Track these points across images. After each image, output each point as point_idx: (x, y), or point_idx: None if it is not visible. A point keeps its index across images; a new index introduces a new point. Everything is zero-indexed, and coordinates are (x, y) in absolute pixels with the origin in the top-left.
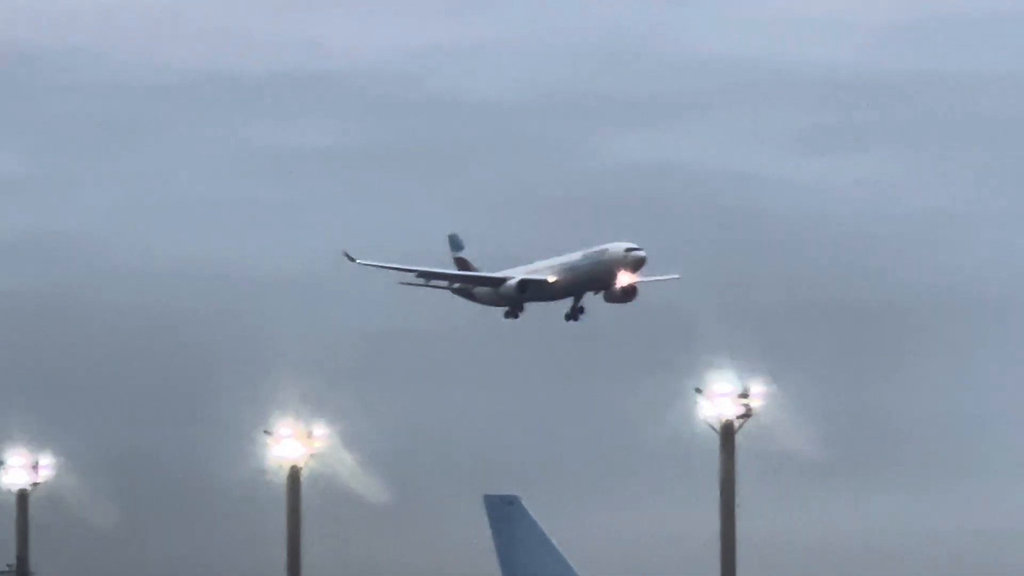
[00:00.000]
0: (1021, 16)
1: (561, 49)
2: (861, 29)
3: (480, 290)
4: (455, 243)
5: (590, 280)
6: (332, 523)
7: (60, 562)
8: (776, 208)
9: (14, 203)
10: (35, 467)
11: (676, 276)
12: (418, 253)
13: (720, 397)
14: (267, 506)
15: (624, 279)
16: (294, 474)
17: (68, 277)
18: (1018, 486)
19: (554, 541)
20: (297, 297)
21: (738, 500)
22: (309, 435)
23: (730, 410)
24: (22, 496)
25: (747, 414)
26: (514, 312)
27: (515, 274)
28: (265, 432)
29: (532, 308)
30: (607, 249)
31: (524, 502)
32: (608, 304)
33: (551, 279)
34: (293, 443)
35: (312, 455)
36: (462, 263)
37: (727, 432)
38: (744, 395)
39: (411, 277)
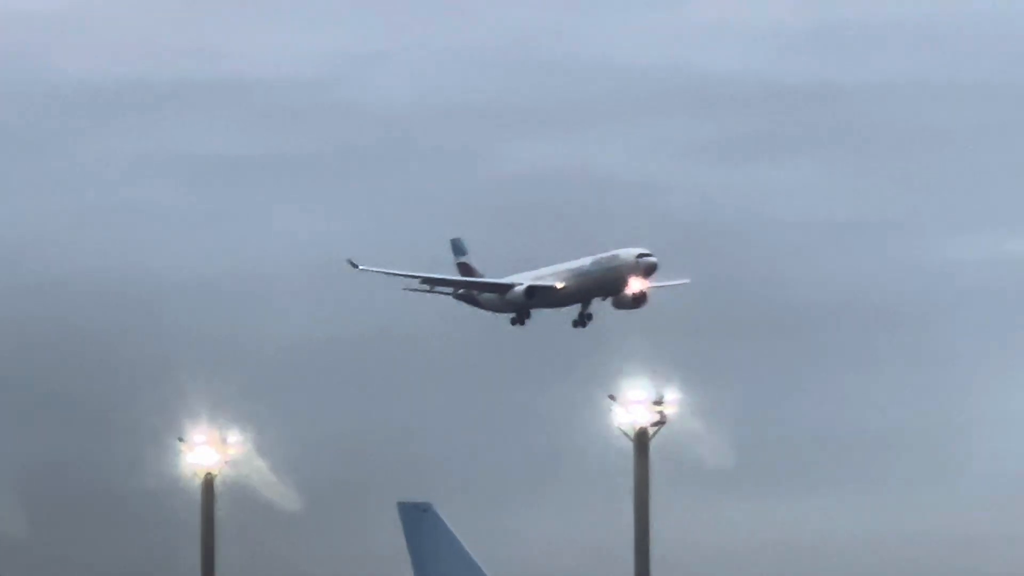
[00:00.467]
0: (930, 24)
1: (467, 56)
2: (770, 38)
3: (485, 296)
4: (458, 248)
5: (600, 286)
6: (246, 530)
7: None
8: (683, 217)
9: None
10: None
11: (686, 281)
12: (334, 259)
13: (634, 404)
14: (181, 514)
15: (635, 285)
16: (208, 481)
17: None
18: (918, 491)
19: (467, 548)
20: (207, 304)
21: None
22: (223, 442)
23: (644, 418)
24: None
25: (661, 421)
26: (520, 319)
27: (521, 280)
28: (179, 439)
29: (537, 315)
30: (618, 255)
31: (438, 509)
32: (617, 310)
33: (559, 285)
34: (207, 450)
35: (226, 462)
36: (465, 268)
37: (641, 439)
38: (658, 402)
39: (415, 283)
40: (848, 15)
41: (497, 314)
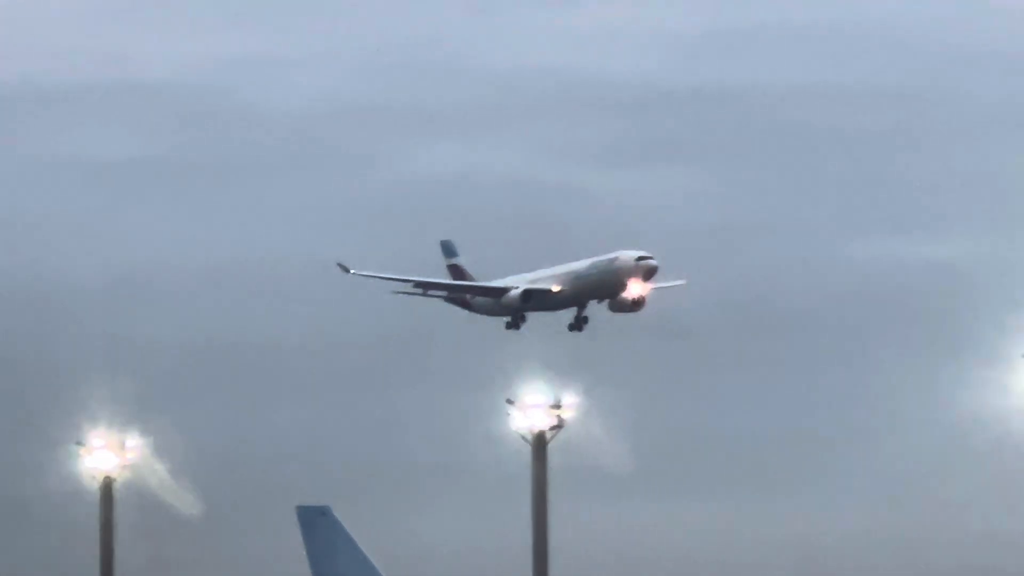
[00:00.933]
0: (817, 28)
1: (366, 60)
2: (659, 42)
3: (479, 300)
4: (448, 249)
5: (598, 289)
6: (145, 534)
7: None
8: (582, 220)
9: None
10: None
11: (682, 282)
12: (244, 261)
13: (532, 408)
14: (80, 518)
15: (635, 289)
16: (107, 485)
17: None
18: (814, 493)
19: (366, 551)
20: (106, 307)
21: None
22: (122, 446)
23: (542, 421)
24: None
25: (559, 425)
26: (515, 323)
27: (516, 283)
28: (77, 443)
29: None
30: (617, 258)
31: (336, 512)
32: (614, 314)
33: (555, 288)
34: (106, 454)
35: (125, 466)
36: (456, 271)
37: (539, 442)
38: (556, 406)
39: (406, 287)
40: (737, 19)
41: (491, 318)
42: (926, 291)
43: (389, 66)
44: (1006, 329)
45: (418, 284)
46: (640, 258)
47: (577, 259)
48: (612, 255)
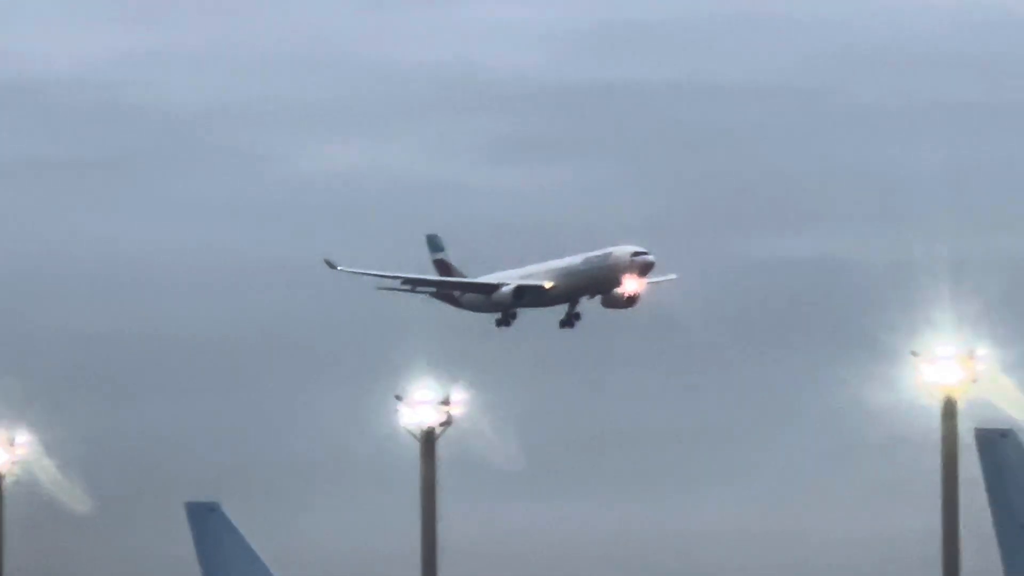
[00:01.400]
0: (708, 24)
1: (257, 57)
2: (551, 38)
3: (469, 297)
4: (434, 244)
5: (592, 285)
6: (35, 531)
7: None
8: (474, 216)
9: None
10: None
11: (673, 277)
12: (138, 257)
13: (421, 404)
14: None
15: (630, 285)
16: None
17: None
18: (705, 489)
19: (255, 548)
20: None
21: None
22: (11, 442)
23: (431, 418)
24: None
25: (448, 421)
26: (506, 320)
27: (507, 279)
28: None
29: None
30: (611, 253)
31: (226, 509)
32: (606, 310)
33: (548, 285)
34: None
35: (14, 462)
36: (443, 266)
37: (427, 439)
38: (445, 402)
39: (391, 283)
40: (619, 16)
41: (479, 314)
42: (812, 288)
43: (278, 62)
44: (894, 325)
45: (406, 281)
46: (636, 253)
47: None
48: (607, 250)
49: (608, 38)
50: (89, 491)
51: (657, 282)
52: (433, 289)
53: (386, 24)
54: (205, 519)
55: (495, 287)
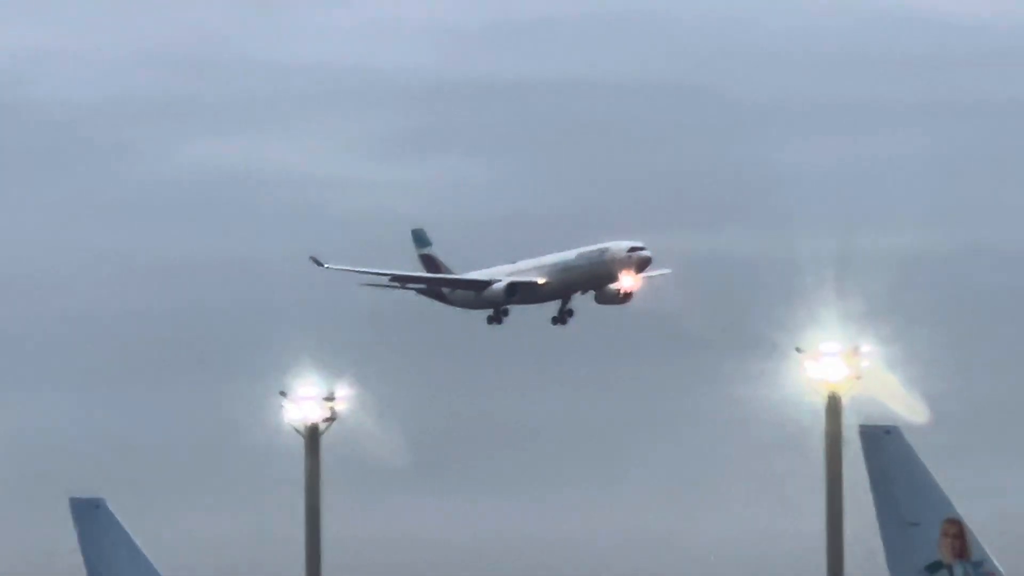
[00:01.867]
0: (602, 20)
1: (143, 54)
2: (440, 34)
3: (459, 293)
4: (420, 239)
5: (586, 281)
6: None
7: None
8: (360, 212)
9: None
10: None
11: (667, 271)
12: (16, 255)
13: (305, 400)
14: None
15: (626, 281)
16: None
17: None
18: (593, 490)
19: (139, 544)
20: None
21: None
22: None
23: (315, 413)
24: None
25: (332, 418)
26: (498, 317)
27: (498, 275)
28: None
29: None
30: (608, 249)
31: (110, 505)
32: (600, 306)
33: (541, 281)
34: None
35: None
36: (429, 261)
37: (312, 435)
38: (329, 398)
39: (375, 279)
40: (511, 12)
41: (469, 311)
42: (697, 285)
43: (163, 59)
44: (779, 322)
45: (395, 278)
46: (632, 249)
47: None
48: (602, 245)
49: (496, 35)
50: None
51: (650, 276)
52: (422, 286)
53: (275, 22)
54: (90, 514)
55: (486, 284)
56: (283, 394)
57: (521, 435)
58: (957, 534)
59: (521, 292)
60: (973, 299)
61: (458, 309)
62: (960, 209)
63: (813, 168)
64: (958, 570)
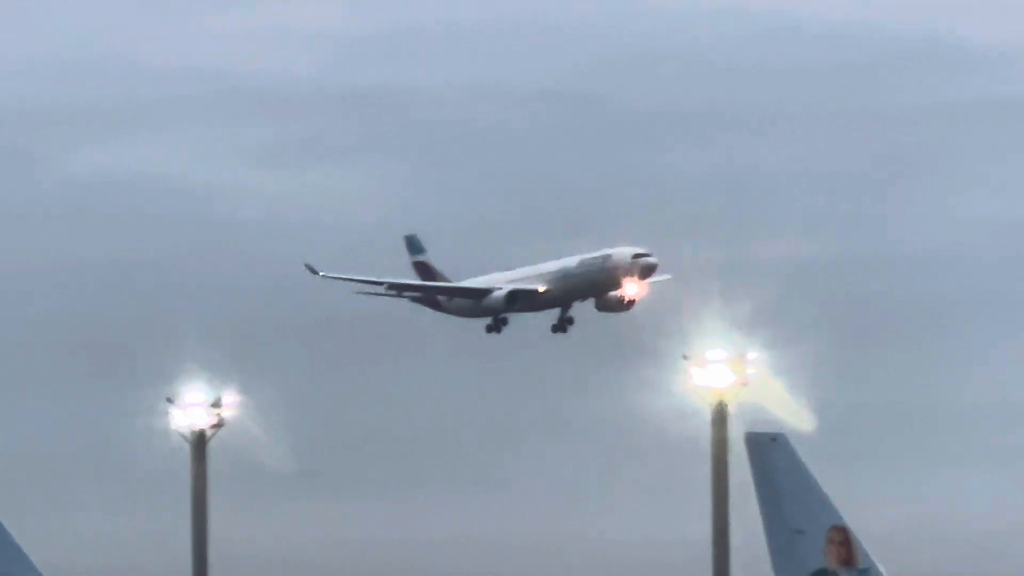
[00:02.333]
0: (487, 27)
1: (26, 60)
2: (324, 42)
3: (457, 301)
4: (414, 245)
5: (588, 288)
6: None
7: None
8: (243, 220)
9: None
10: None
11: (668, 277)
12: None
13: (192, 407)
14: None
15: (630, 288)
16: None
17: None
18: (479, 495)
19: (24, 548)
20: None
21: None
22: None
23: (202, 420)
24: None
25: (219, 424)
26: (496, 325)
27: (496, 283)
28: None
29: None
30: (611, 255)
31: None
32: (601, 313)
33: (541, 288)
34: None
35: None
36: (423, 268)
37: (199, 442)
38: (216, 405)
39: (370, 287)
40: (405, 20)
41: (466, 320)
42: None
43: (54, 66)
44: (665, 329)
45: (392, 286)
46: (637, 255)
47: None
48: (605, 251)
49: (385, 43)
50: None
51: (652, 283)
52: (417, 294)
53: (160, 29)
54: None
55: (486, 292)
56: (170, 400)
57: (409, 440)
58: (843, 541)
59: (521, 300)
60: (856, 306)
61: (454, 318)
62: (840, 216)
63: (696, 175)
64: None
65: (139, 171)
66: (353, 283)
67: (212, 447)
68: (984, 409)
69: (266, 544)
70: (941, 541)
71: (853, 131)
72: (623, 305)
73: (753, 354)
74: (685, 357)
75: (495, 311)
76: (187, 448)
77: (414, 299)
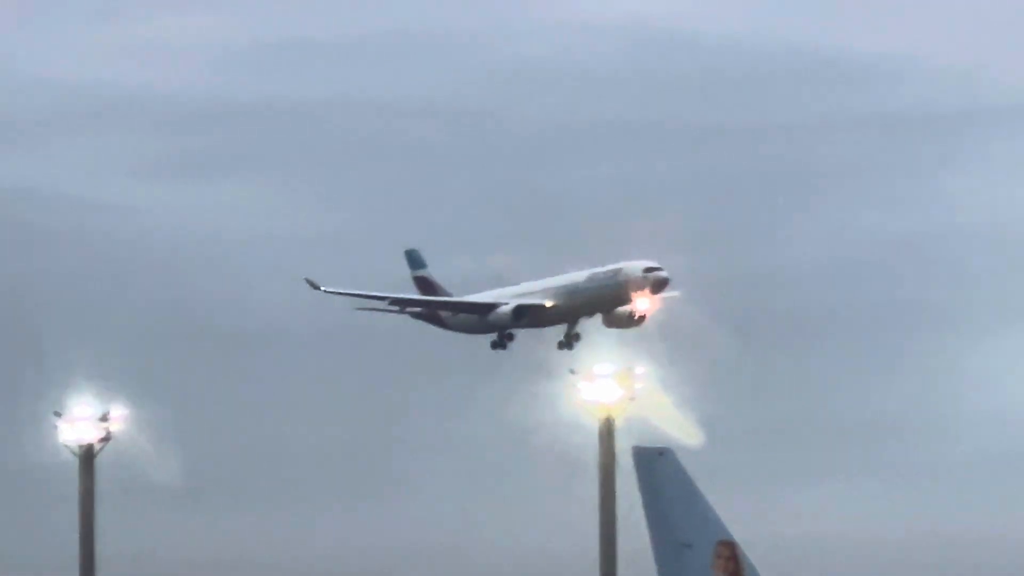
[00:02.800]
0: (378, 41)
1: None
2: (215, 56)
3: (461, 317)
4: (415, 260)
5: (597, 304)
6: None
7: None
8: (128, 233)
9: None
10: None
11: (676, 294)
12: None
13: (80, 421)
14: None
15: (641, 303)
16: None
17: None
18: (370, 507)
19: None
20: None
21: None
22: None
23: (90, 434)
24: None
25: (107, 438)
26: (502, 342)
27: (502, 298)
28: None
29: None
30: (621, 269)
31: None
32: (608, 329)
33: (548, 303)
34: None
35: None
36: (424, 283)
37: (87, 455)
38: (104, 419)
39: (370, 302)
40: (291, 34)
41: (469, 336)
42: None
43: None
44: (549, 342)
45: (394, 301)
46: (648, 269)
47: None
48: (616, 266)
49: (271, 57)
50: None
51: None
52: (419, 309)
53: (48, 40)
54: None
55: (492, 306)
56: (57, 414)
57: (299, 454)
58: (730, 556)
59: (528, 315)
60: (743, 321)
61: (458, 334)
62: (728, 231)
63: (584, 190)
64: None
65: (22, 185)
66: (354, 299)
67: (100, 461)
68: (868, 423)
69: (154, 558)
70: (826, 554)
71: (739, 145)
72: (633, 321)
73: (641, 368)
74: (572, 371)
75: (501, 326)
76: (75, 462)
77: (416, 315)
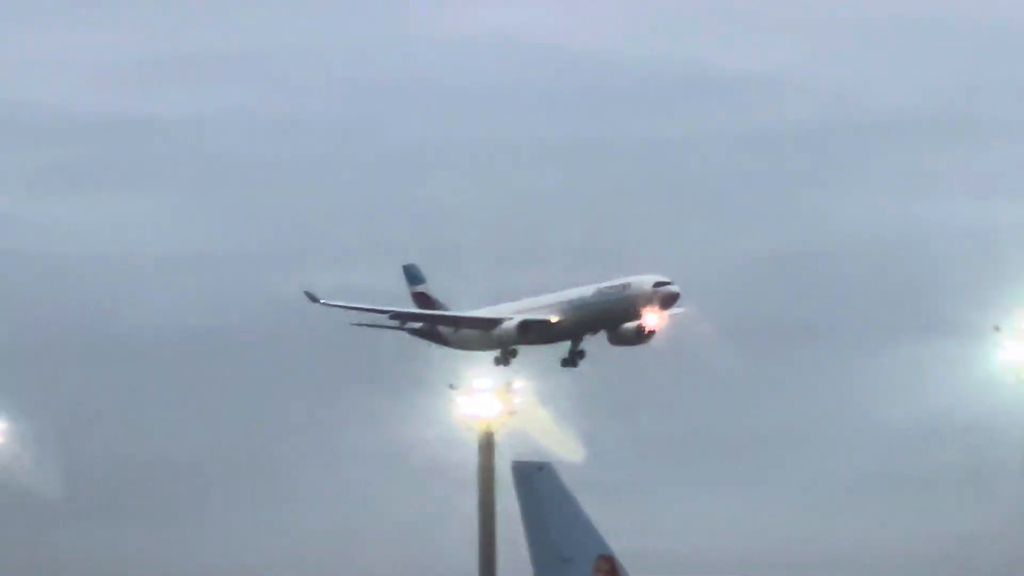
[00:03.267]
0: (258, 56)
1: None
2: (102, 71)
3: (464, 333)
4: (413, 276)
5: (604, 319)
6: None
7: None
8: (16, 250)
9: None
10: None
11: (683, 310)
12: None
13: None
14: None
15: (650, 319)
16: None
17: None
18: (246, 521)
19: None
20: None
21: None
22: None
23: None
24: None
25: None
26: (505, 358)
27: (505, 313)
28: None
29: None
30: (630, 284)
31: None
32: (615, 347)
33: (554, 319)
34: None
35: None
36: (423, 298)
37: None
38: None
39: (366, 317)
40: (173, 49)
41: (470, 352)
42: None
43: None
44: (430, 359)
45: (395, 316)
46: (658, 284)
47: None
48: (624, 280)
49: (147, 72)
50: None
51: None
52: (418, 325)
53: None
54: None
55: (496, 322)
56: None
57: (182, 468)
58: (609, 570)
59: (533, 331)
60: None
61: (457, 351)
62: (610, 246)
63: (463, 205)
64: None
65: None
66: (351, 314)
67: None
68: (748, 438)
69: (35, 573)
70: (706, 569)
71: (618, 160)
72: (641, 337)
73: (520, 383)
74: (451, 386)
75: (506, 342)
76: None
77: (415, 331)
